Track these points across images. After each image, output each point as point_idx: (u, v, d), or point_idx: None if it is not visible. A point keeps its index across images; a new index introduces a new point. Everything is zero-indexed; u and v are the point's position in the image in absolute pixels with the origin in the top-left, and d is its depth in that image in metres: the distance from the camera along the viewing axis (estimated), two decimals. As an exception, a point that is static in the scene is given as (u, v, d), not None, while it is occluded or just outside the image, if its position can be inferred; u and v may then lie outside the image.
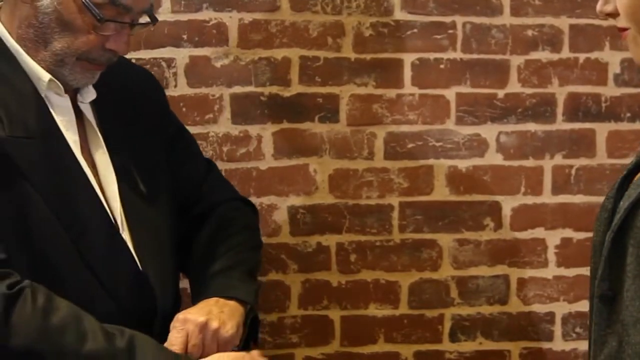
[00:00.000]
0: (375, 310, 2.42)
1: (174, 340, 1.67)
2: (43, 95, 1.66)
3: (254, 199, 2.32)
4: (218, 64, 2.31)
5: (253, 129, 2.34)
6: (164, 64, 2.29)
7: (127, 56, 2.20)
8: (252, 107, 2.34)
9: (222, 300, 1.75)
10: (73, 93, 1.73)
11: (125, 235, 1.71)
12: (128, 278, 1.69)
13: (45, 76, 1.66)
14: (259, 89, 2.33)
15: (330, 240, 2.39)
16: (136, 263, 1.70)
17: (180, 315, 1.71)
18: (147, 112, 1.86)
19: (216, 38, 2.31)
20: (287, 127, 2.35)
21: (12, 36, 1.66)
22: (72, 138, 1.68)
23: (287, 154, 2.36)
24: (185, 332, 1.68)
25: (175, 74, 2.29)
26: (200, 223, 1.89)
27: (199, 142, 2.28)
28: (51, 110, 1.67)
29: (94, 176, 1.70)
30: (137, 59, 2.25)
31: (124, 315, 1.65)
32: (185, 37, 2.29)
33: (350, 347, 2.41)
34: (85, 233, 1.64)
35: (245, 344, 1.81)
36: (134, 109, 1.82)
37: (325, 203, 2.38)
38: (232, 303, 1.76)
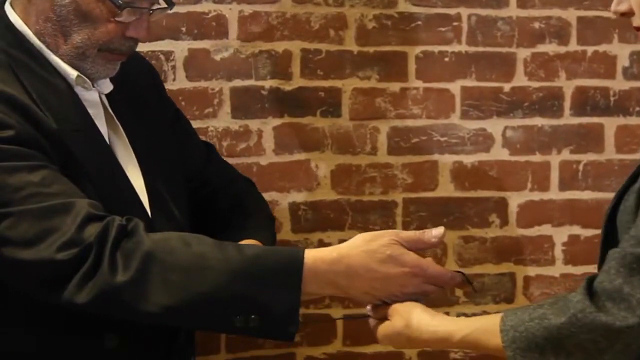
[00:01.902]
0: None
1: None
2: (76, 91, 1.68)
3: (254, 195, 2.33)
4: (218, 57, 2.31)
5: (253, 124, 2.34)
6: (162, 57, 2.29)
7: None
8: (253, 101, 2.34)
9: None
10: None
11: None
12: None
13: (73, 72, 1.66)
14: (260, 83, 2.33)
15: (332, 238, 2.39)
16: None
17: None
18: (149, 99, 1.87)
19: (216, 30, 2.31)
20: (288, 122, 2.35)
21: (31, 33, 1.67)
22: (103, 131, 1.71)
23: (288, 149, 2.36)
24: None
25: (174, 67, 2.29)
26: (209, 203, 1.94)
27: (198, 136, 2.30)
28: (85, 106, 1.68)
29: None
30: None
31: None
32: (184, 29, 2.29)
33: (352, 347, 2.41)
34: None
35: None
36: (138, 97, 1.83)
37: (328, 199, 2.38)
38: None
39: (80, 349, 1.62)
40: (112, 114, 1.76)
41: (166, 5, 1.74)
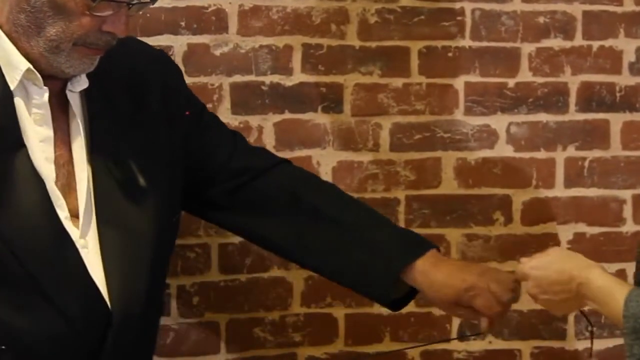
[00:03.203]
0: (381, 308, 2.40)
1: None
2: (13, 87, 1.63)
3: (254, 193, 2.33)
4: (217, 52, 2.31)
5: (254, 120, 2.34)
6: (161, 52, 2.28)
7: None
8: (253, 96, 2.33)
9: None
10: (62, 82, 1.70)
11: (92, 238, 1.67)
12: (74, 287, 1.65)
13: (24, 65, 1.63)
14: (260, 78, 2.33)
15: (334, 235, 2.38)
16: (87, 272, 1.65)
17: None
18: (154, 99, 1.82)
19: (215, 25, 2.30)
20: (289, 118, 2.35)
21: (2, 23, 1.64)
22: (44, 133, 1.65)
23: (289, 146, 2.35)
24: None
25: (172, 62, 2.29)
26: (256, 191, 1.93)
27: (197, 133, 2.30)
28: (20, 103, 1.64)
29: (67, 173, 1.68)
30: (133, 47, 2.25)
31: (70, 327, 1.63)
32: (183, 24, 2.29)
33: (355, 347, 2.41)
34: (25, 235, 1.60)
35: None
36: (136, 97, 1.79)
37: (329, 196, 2.38)
38: None
39: None
40: (78, 114, 1.71)
41: (148, 0, 1.66)
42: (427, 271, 1.86)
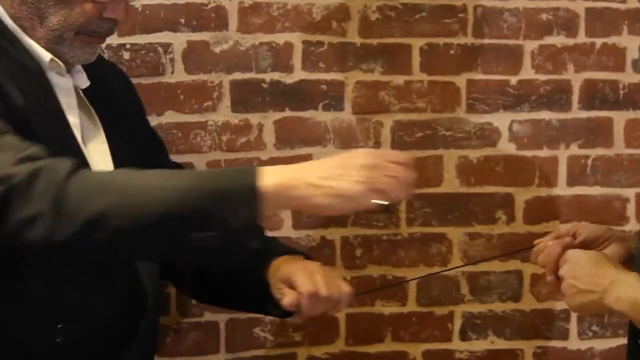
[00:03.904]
0: (382, 308, 2.42)
1: None
2: (48, 76, 1.66)
3: (254, 191, 2.32)
4: (217, 49, 2.31)
5: (254, 118, 2.34)
6: (160, 49, 2.28)
7: (124, 40, 2.22)
8: (253, 94, 2.33)
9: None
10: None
11: None
12: (124, 269, 1.70)
13: (47, 56, 1.65)
14: (260, 76, 2.33)
15: (334, 234, 2.38)
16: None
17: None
18: (127, 110, 1.86)
19: (215, 22, 2.30)
20: (290, 116, 2.35)
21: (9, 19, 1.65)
22: (73, 121, 1.68)
23: (289, 144, 2.35)
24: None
25: (172, 59, 2.29)
26: None
27: (196, 131, 2.30)
28: (55, 91, 1.66)
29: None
30: (132, 44, 2.25)
31: (116, 306, 1.66)
32: (182, 21, 2.29)
33: (355, 346, 2.41)
34: None
35: None
36: (114, 104, 1.82)
37: (330, 195, 2.37)
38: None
39: (31, 341, 1.59)
40: (91, 108, 1.74)
41: None
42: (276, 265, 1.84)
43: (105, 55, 2.21)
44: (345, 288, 1.78)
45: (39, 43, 1.64)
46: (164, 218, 1.39)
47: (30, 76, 1.63)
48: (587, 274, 1.66)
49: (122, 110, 1.83)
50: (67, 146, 1.63)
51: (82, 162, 1.59)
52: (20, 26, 1.64)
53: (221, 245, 1.40)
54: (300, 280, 1.74)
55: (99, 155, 1.72)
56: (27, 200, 1.38)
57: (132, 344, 1.71)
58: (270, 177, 1.42)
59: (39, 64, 1.65)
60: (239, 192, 1.41)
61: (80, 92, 1.74)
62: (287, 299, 1.73)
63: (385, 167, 1.47)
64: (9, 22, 1.64)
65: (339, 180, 1.44)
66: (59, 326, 1.60)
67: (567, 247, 1.77)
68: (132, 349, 1.71)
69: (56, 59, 1.66)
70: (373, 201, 1.45)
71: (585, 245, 1.83)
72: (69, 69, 1.71)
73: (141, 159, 1.76)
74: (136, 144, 1.82)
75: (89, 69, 1.75)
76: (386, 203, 1.45)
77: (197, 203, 1.39)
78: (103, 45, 2.18)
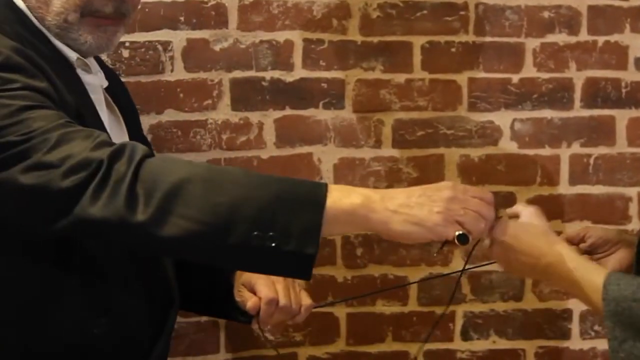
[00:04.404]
0: (383, 307, 2.42)
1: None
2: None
3: (255, 190, 2.33)
4: (217, 47, 2.31)
5: (254, 116, 2.33)
6: (159, 47, 2.28)
7: (124, 37, 2.22)
8: (253, 92, 2.33)
9: None
10: None
11: None
12: (155, 266, 1.73)
13: (73, 55, 1.66)
14: (260, 74, 2.33)
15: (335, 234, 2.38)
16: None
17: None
18: (132, 111, 1.90)
19: (215, 20, 2.30)
20: (290, 114, 2.35)
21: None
22: (103, 118, 1.70)
23: (289, 142, 2.35)
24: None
25: (171, 57, 2.29)
26: None
27: (196, 129, 2.30)
28: (87, 89, 1.68)
29: None
30: (131, 42, 2.25)
31: (149, 301, 1.69)
32: (182, 18, 2.29)
33: (356, 346, 2.41)
34: None
35: None
36: (125, 103, 1.86)
37: (330, 194, 2.37)
38: None
39: (69, 331, 1.60)
40: (115, 106, 1.76)
41: None
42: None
43: (104, 54, 2.21)
44: (307, 300, 1.81)
45: (51, 33, 1.65)
46: (231, 210, 1.39)
47: (66, 74, 1.64)
48: (521, 254, 1.61)
49: (130, 115, 1.86)
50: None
51: None
52: (36, 17, 1.65)
53: (278, 248, 1.39)
54: (260, 287, 1.77)
55: None
56: (106, 182, 1.39)
57: (161, 335, 1.73)
58: (350, 197, 1.43)
59: (68, 62, 1.66)
60: (304, 198, 1.42)
61: (104, 91, 1.76)
62: (250, 303, 1.77)
63: (466, 201, 1.48)
64: (35, 20, 1.65)
65: (418, 209, 1.44)
66: (100, 318, 1.62)
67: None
68: (159, 344, 1.73)
69: (82, 58, 1.67)
70: (452, 234, 1.46)
71: (594, 249, 1.83)
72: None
73: None
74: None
75: (103, 70, 1.78)
76: (462, 233, 1.46)
77: (265, 201, 1.40)
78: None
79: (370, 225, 1.45)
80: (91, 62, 1.75)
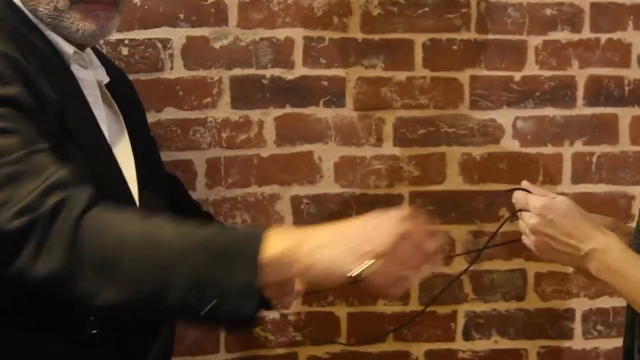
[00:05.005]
0: (384, 307, 2.41)
1: None
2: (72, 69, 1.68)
3: (255, 188, 2.33)
4: (217, 45, 2.30)
5: (254, 114, 2.33)
6: (159, 44, 2.28)
7: (123, 35, 2.22)
8: (253, 90, 2.33)
9: None
10: None
11: None
12: None
13: (70, 48, 1.66)
14: (260, 72, 2.32)
15: (336, 233, 2.37)
16: None
17: None
18: (137, 109, 1.91)
19: (215, 17, 2.30)
20: (290, 112, 2.35)
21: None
22: (99, 115, 1.69)
23: (290, 141, 2.35)
24: None
25: (171, 55, 2.28)
26: None
27: (196, 127, 2.30)
28: (80, 85, 1.67)
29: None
30: (130, 40, 2.25)
31: None
32: (182, 16, 2.28)
33: (357, 346, 2.41)
34: None
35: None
36: (128, 101, 1.85)
37: (331, 193, 2.37)
38: None
39: (67, 332, 1.60)
40: (113, 101, 1.76)
41: None
42: None
43: (104, 51, 2.21)
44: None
45: (43, 22, 1.65)
46: (166, 273, 1.40)
47: (58, 70, 1.64)
48: (565, 235, 1.58)
49: (134, 112, 1.86)
50: (96, 141, 1.65)
51: (108, 161, 1.65)
52: (31, 11, 1.65)
53: (216, 308, 1.38)
54: None
55: (121, 150, 1.73)
56: (46, 237, 1.40)
57: (159, 334, 1.72)
58: (273, 246, 1.40)
59: (62, 58, 1.66)
60: (238, 254, 1.40)
61: (104, 87, 1.75)
62: None
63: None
64: (30, 15, 1.65)
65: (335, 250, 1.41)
66: (92, 318, 1.60)
67: None
68: (160, 339, 1.73)
69: (79, 51, 1.67)
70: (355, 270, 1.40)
71: None
72: (90, 65, 1.73)
73: (155, 159, 1.85)
74: (149, 146, 1.87)
75: (106, 66, 1.78)
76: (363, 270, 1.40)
77: (199, 262, 1.40)
78: (101, 41, 2.20)
79: (292, 275, 1.44)
80: (90, 57, 1.75)
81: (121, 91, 1.84)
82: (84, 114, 1.65)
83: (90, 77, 1.71)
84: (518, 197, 1.67)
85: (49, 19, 1.65)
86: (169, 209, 1.85)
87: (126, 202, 1.68)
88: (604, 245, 1.56)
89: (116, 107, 1.77)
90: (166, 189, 1.89)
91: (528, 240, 1.65)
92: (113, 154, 1.69)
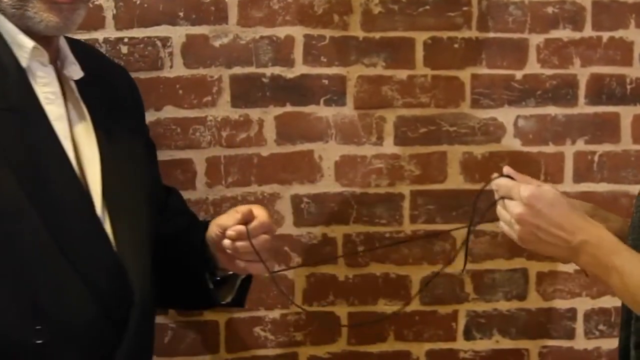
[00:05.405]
0: (385, 307, 2.41)
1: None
2: (25, 66, 1.65)
3: (255, 188, 2.33)
4: (217, 43, 2.30)
5: (254, 113, 2.33)
6: (158, 43, 2.27)
7: (122, 33, 2.21)
8: (253, 89, 2.32)
9: None
10: (57, 67, 1.72)
11: (104, 220, 1.70)
12: (104, 264, 1.68)
13: (29, 43, 1.64)
14: (261, 70, 2.32)
15: (336, 232, 2.38)
16: (114, 250, 1.69)
17: None
18: (129, 109, 1.88)
19: (215, 15, 2.29)
20: (291, 111, 2.34)
21: None
22: (57, 112, 1.68)
23: (290, 140, 2.35)
24: None
25: (170, 53, 2.28)
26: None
27: (196, 126, 2.30)
28: (32, 82, 1.66)
29: (75, 155, 1.70)
30: (129, 38, 2.24)
31: (98, 302, 1.65)
32: (181, 14, 2.28)
33: (358, 346, 2.40)
34: (58, 213, 1.62)
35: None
36: (116, 100, 1.83)
37: (331, 192, 2.37)
38: None
39: (11, 343, 1.58)
40: (79, 99, 1.74)
41: None
42: None
43: (103, 50, 2.21)
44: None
45: (6, 13, 1.63)
46: None
47: (5, 70, 1.63)
48: (554, 225, 1.51)
49: (121, 111, 1.84)
50: (43, 147, 1.63)
51: (56, 159, 1.64)
52: None
53: None
54: (224, 217, 1.80)
55: (86, 146, 1.71)
56: None
57: (122, 342, 1.69)
58: None
59: (14, 55, 1.64)
60: None
61: (72, 83, 1.73)
62: (230, 230, 1.76)
63: None
64: None
65: None
66: (37, 328, 1.59)
67: None
68: (124, 346, 1.69)
69: (39, 47, 1.65)
70: None
71: None
72: (62, 60, 1.71)
73: (135, 161, 1.81)
74: (131, 147, 1.83)
75: (88, 63, 1.76)
76: None
77: None
78: (100, 39, 2.20)
79: None
80: (65, 51, 1.73)
81: (105, 89, 1.81)
82: (31, 112, 1.63)
83: (49, 73, 1.69)
84: (501, 183, 1.60)
85: (12, 10, 1.64)
86: (151, 213, 1.83)
87: (77, 199, 1.66)
88: (595, 239, 1.51)
89: (82, 104, 1.74)
90: (147, 191, 1.85)
91: (509, 229, 1.58)
92: (65, 151, 1.66)
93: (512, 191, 1.56)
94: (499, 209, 1.59)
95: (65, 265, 1.62)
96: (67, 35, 1.78)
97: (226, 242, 1.76)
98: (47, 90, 1.67)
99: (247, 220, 1.76)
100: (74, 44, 1.81)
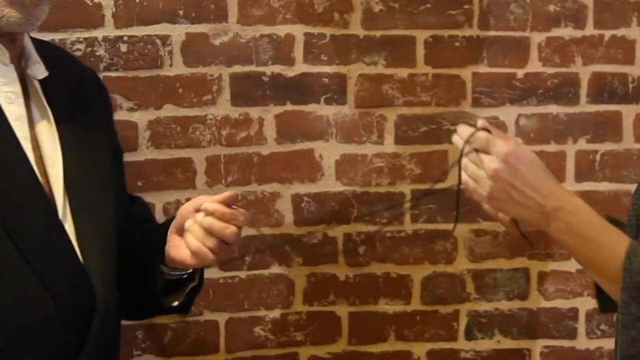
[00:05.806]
0: (386, 306, 2.41)
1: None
2: None
3: (255, 187, 2.32)
4: (217, 42, 2.30)
5: (254, 112, 2.33)
6: (158, 41, 2.27)
7: (122, 32, 2.21)
8: (253, 87, 2.32)
9: None
10: (20, 66, 1.70)
11: (67, 222, 1.67)
12: (65, 268, 1.65)
13: None
14: (261, 69, 2.32)
15: (337, 231, 2.37)
16: (76, 254, 1.66)
17: None
18: (97, 112, 1.84)
19: (214, 13, 2.29)
20: (291, 110, 2.34)
21: None
22: (17, 112, 1.65)
23: (290, 138, 2.34)
24: None
25: (170, 52, 2.28)
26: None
27: (196, 125, 2.29)
28: None
29: (37, 156, 1.67)
30: (129, 36, 2.24)
31: (59, 306, 1.62)
32: (181, 12, 2.28)
33: (358, 346, 2.40)
34: (17, 215, 1.59)
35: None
36: (83, 102, 1.80)
37: (332, 191, 2.37)
38: None
39: None
40: (43, 99, 1.71)
41: None
42: None
43: (102, 48, 2.21)
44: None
45: None
46: None
47: None
48: (527, 185, 1.44)
49: (88, 113, 1.80)
50: (2, 143, 1.61)
51: (15, 160, 1.61)
52: None
53: None
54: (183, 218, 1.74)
55: (48, 146, 1.69)
56: None
57: (84, 347, 1.66)
58: None
59: None
60: None
61: (36, 83, 1.71)
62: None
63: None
64: None
65: None
66: None
67: None
68: (86, 351, 1.66)
69: (1, 46, 1.63)
70: None
71: None
72: (26, 59, 1.69)
73: (100, 163, 1.78)
74: (97, 150, 1.80)
75: (56, 63, 1.74)
76: None
77: None
78: (100, 37, 2.20)
79: None
80: (29, 50, 1.71)
81: (72, 90, 1.78)
82: None
83: (9, 72, 1.66)
84: (479, 136, 1.48)
85: None
86: (116, 216, 1.80)
87: (38, 201, 1.63)
88: (570, 206, 1.45)
89: (45, 103, 1.71)
90: (112, 195, 1.81)
91: (474, 184, 1.49)
92: (24, 152, 1.63)
93: (490, 144, 1.47)
94: (467, 162, 1.50)
95: (24, 269, 1.59)
96: (32, 34, 1.75)
97: (189, 221, 1.72)
98: (7, 89, 1.64)
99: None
100: (42, 45, 1.78)
